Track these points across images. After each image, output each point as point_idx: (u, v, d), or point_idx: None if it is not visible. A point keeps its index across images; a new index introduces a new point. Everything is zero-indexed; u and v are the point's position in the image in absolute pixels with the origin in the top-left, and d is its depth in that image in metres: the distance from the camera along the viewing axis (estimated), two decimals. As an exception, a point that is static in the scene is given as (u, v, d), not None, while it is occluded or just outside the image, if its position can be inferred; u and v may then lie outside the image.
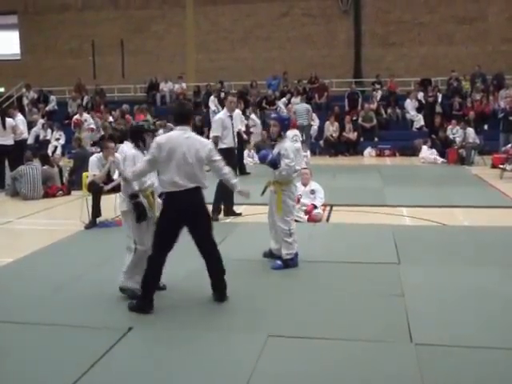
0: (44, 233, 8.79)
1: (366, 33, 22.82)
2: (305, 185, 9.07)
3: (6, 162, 12.95)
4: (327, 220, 9.21)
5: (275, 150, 6.40)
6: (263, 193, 6.64)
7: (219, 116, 9.89)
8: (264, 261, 6.63)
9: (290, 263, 6.36)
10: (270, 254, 6.66)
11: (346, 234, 8.06)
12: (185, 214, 5.16)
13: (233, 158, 9.28)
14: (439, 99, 20.27)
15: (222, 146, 9.08)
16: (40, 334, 4.78)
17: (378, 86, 21.51)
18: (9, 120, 13.13)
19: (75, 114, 19.70)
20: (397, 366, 4.10)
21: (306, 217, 8.79)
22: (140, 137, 5.66)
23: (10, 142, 12.92)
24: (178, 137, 5.16)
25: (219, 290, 5.38)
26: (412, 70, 21.97)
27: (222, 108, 20.65)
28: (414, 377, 3.92)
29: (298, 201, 8.80)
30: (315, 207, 8.92)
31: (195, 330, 4.77)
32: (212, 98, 20.95)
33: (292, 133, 13.62)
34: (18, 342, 4.60)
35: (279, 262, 6.39)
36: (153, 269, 5.14)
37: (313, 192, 9.06)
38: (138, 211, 5.31)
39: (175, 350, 4.42)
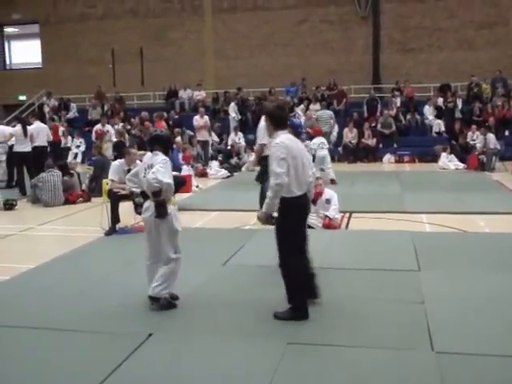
0: (65, 239, 8.86)
1: (384, 38, 22.76)
2: (319, 194, 8.75)
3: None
4: (346, 227, 9.18)
5: None
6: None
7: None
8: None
9: None
10: None
11: (366, 240, 8.02)
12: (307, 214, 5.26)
13: None
14: (459, 105, 20.14)
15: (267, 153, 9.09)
16: (60, 339, 4.81)
17: (397, 93, 21.42)
18: (28, 128, 13.46)
19: (96, 122, 19.86)
20: (418, 375, 4.06)
21: (321, 224, 8.67)
22: (169, 145, 5.72)
23: (28, 149, 13.25)
24: (294, 140, 5.10)
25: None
26: (431, 76, 21.86)
27: (241, 114, 20.89)
28: (436, 385, 3.88)
29: (321, 194, 8.73)
30: (330, 219, 8.81)
31: (214, 337, 4.76)
32: (232, 104, 21.02)
33: (318, 140, 13.54)
34: (40, 347, 4.63)
35: None
36: (303, 276, 5.09)
37: (328, 202, 8.86)
38: (163, 211, 5.25)
39: (194, 356, 4.42)
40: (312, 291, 5.31)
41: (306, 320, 5.04)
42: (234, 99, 21.54)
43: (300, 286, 5.10)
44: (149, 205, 5.39)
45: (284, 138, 4.99)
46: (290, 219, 5.02)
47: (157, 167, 5.26)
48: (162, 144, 5.56)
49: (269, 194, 4.94)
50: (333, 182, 13.15)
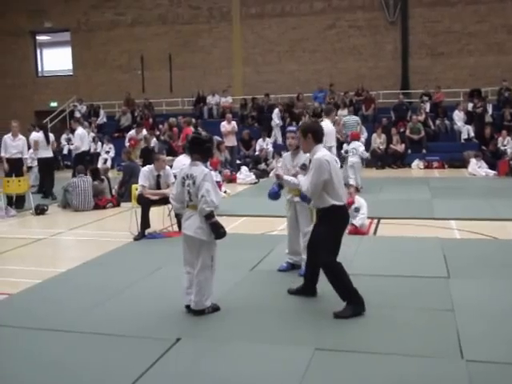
0: (94, 244, 8.98)
1: (413, 43, 22.60)
2: (351, 203, 8.64)
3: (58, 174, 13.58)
4: (374, 233, 9.12)
5: (296, 161, 6.49)
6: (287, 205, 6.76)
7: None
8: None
9: None
10: (292, 267, 6.76)
11: (394, 247, 7.96)
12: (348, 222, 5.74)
13: None
14: (489, 110, 19.89)
15: None
16: (90, 343, 4.86)
17: (426, 98, 21.24)
18: (50, 135, 14.03)
19: (126, 129, 20.08)
20: (448, 383, 4.01)
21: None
22: (210, 150, 5.54)
23: (50, 154, 13.85)
24: (330, 155, 5.58)
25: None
26: (461, 81, 21.64)
27: (283, 120, 20.89)
28: (465, 394, 3.84)
29: (352, 202, 8.71)
30: (356, 227, 8.75)
31: (241, 342, 4.78)
32: (276, 111, 21.04)
33: (351, 145, 13.28)
34: (69, 351, 4.69)
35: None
36: (343, 272, 5.33)
37: (357, 210, 8.82)
38: (220, 232, 5.26)
39: (221, 362, 4.43)
40: (313, 288, 5.82)
41: (332, 326, 5.04)
42: (278, 105, 21.56)
43: (345, 281, 5.33)
44: (188, 222, 5.31)
45: (325, 152, 5.50)
46: (337, 224, 5.42)
47: (206, 188, 5.12)
48: (203, 150, 5.37)
49: (295, 183, 5.71)
50: (356, 189, 12.79)
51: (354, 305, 5.29)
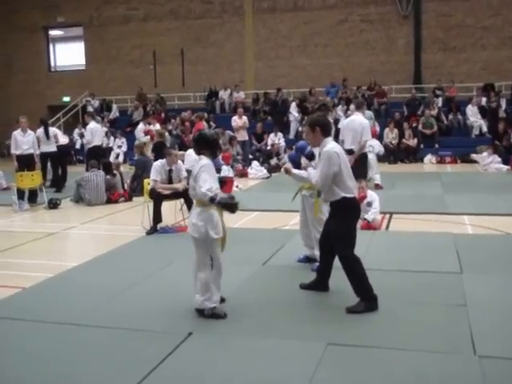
0: (107, 238, 9.02)
1: (426, 38, 22.45)
2: (363, 198, 8.65)
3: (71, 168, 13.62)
4: (386, 228, 9.10)
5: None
6: (294, 198, 6.80)
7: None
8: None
9: None
10: (307, 260, 6.77)
11: (406, 242, 7.93)
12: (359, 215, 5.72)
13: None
14: (503, 105, 19.73)
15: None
16: (102, 336, 4.90)
17: (439, 92, 21.11)
18: (52, 129, 14.21)
19: (137, 123, 20.12)
20: (460, 378, 4.00)
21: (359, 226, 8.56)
22: (217, 147, 5.44)
23: (53, 149, 13.95)
24: (339, 146, 5.56)
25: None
26: (474, 75, 21.49)
27: (282, 114, 20.88)
28: (478, 390, 3.82)
29: (365, 197, 8.70)
30: (368, 222, 8.75)
31: (253, 337, 4.79)
32: (294, 104, 21.03)
33: (368, 142, 13.15)
34: (81, 344, 4.73)
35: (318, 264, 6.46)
36: (361, 267, 5.35)
37: (369, 204, 8.81)
38: (230, 205, 5.05)
39: (233, 356, 4.44)
40: (325, 283, 5.81)
41: (344, 322, 5.04)
42: (295, 99, 21.53)
43: (361, 276, 5.33)
44: (193, 221, 5.16)
45: (334, 144, 5.47)
46: (349, 216, 5.44)
47: (203, 178, 5.01)
48: (210, 147, 5.26)
49: (304, 177, 5.76)
50: (377, 186, 12.56)
51: (367, 301, 5.28)
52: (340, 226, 5.36)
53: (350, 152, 9.88)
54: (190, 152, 10.35)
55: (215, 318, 5.13)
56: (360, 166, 9.79)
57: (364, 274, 5.34)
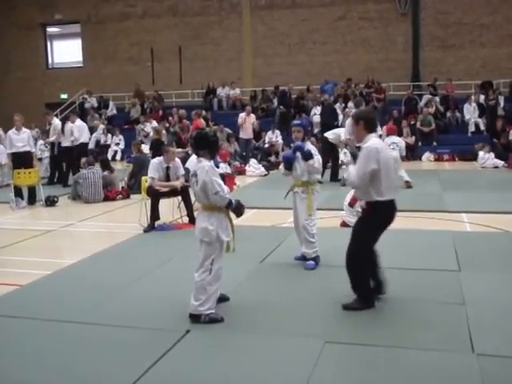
0: (104, 235, 9.00)
1: (424, 35, 22.46)
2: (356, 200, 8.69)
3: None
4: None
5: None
6: (286, 196, 6.87)
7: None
8: (321, 267, 6.60)
9: (317, 260, 6.65)
10: (304, 258, 6.76)
11: (404, 240, 7.91)
12: (392, 220, 5.29)
13: None
14: (501, 102, 19.73)
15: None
16: (99, 334, 4.88)
17: (432, 90, 21.09)
18: (71, 125, 14.31)
19: (136, 121, 20.12)
20: (458, 377, 3.99)
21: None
22: (216, 146, 5.40)
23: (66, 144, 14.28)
24: (382, 143, 5.34)
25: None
26: (472, 73, 21.51)
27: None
28: (476, 388, 3.82)
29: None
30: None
31: (251, 335, 4.78)
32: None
33: (390, 140, 12.75)
34: (79, 342, 4.71)
35: (312, 262, 6.60)
36: (368, 268, 5.28)
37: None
38: (241, 210, 5.17)
39: (231, 354, 4.44)
40: (379, 286, 5.45)
41: (342, 319, 5.03)
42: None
43: (364, 278, 5.28)
44: (203, 226, 5.05)
45: (376, 141, 5.23)
46: (376, 221, 5.20)
47: (218, 182, 4.96)
48: (209, 145, 5.16)
49: (350, 176, 5.25)
50: (408, 183, 12.50)
51: (364, 300, 5.25)
52: (363, 227, 5.25)
53: (358, 149, 9.85)
54: (194, 158, 10.21)
55: (212, 322, 4.99)
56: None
57: (368, 275, 5.29)
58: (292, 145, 6.87)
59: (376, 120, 5.47)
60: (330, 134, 13.81)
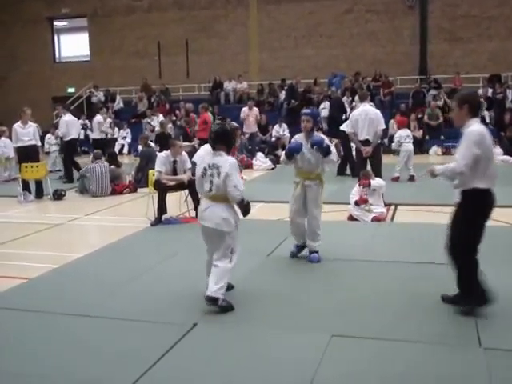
0: (111, 229, 9.02)
1: (432, 28, 22.31)
2: (365, 200, 8.87)
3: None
4: (392, 220, 9.07)
5: (309, 143, 6.47)
6: (296, 188, 6.67)
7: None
8: (327, 261, 6.59)
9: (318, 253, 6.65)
10: (299, 250, 6.81)
11: (411, 233, 7.90)
12: (491, 209, 4.96)
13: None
14: (509, 96, 19.62)
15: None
16: (106, 328, 4.90)
17: (434, 85, 20.98)
18: (60, 121, 14.64)
19: (144, 114, 20.13)
20: (465, 371, 3.98)
21: (370, 217, 8.65)
22: (233, 141, 5.53)
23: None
24: (485, 129, 4.96)
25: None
26: (480, 66, 21.36)
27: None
28: (484, 383, 3.80)
29: (366, 201, 8.73)
30: (382, 214, 8.86)
31: (258, 329, 4.78)
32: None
33: (405, 132, 12.95)
34: (86, 336, 4.73)
35: (316, 255, 6.59)
36: (476, 269, 4.95)
37: (375, 190, 8.93)
38: (248, 209, 5.29)
39: (238, 347, 4.44)
40: (483, 297, 4.95)
41: (349, 313, 5.02)
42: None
43: (474, 278, 4.93)
44: (207, 214, 5.20)
45: (480, 126, 4.90)
46: (475, 209, 4.91)
47: (236, 177, 5.11)
48: (228, 141, 5.28)
49: (447, 169, 4.95)
50: (412, 178, 12.60)
51: (476, 295, 4.91)
52: (464, 222, 4.93)
53: (366, 142, 9.83)
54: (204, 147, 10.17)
55: (223, 311, 5.09)
56: (375, 157, 9.75)
57: (478, 275, 4.93)
58: (295, 136, 6.78)
59: (480, 103, 5.20)
60: (345, 127, 13.80)
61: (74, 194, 12.32)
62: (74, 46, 27.40)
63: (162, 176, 9.04)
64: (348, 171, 13.38)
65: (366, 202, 8.74)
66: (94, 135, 17.33)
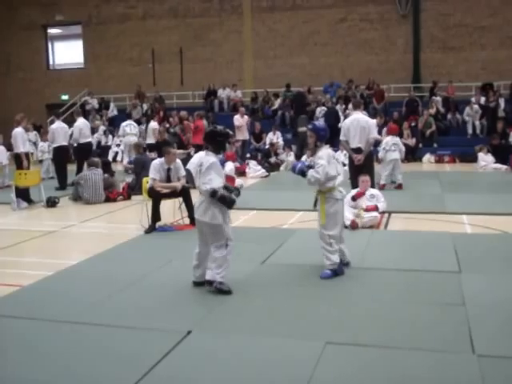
0: (105, 236, 9.01)
1: (425, 37, 22.50)
2: (361, 194, 9.12)
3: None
4: (385, 227, 9.10)
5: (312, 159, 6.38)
6: (315, 204, 6.42)
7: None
8: (322, 268, 6.60)
9: (338, 271, 6.25)
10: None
11: (405, 241, 7.94)
12: None
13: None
14: (502, 104, 19.75)
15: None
16: (101, 335, 4.88)
17: (437, 97, 21.09)
18: (49, 128, 14.60)
19: (137, 121, 20.12)
20: (459, 377, 4.00)
21: (349, 222, 8.39)
22: (224, 143, 5.96)
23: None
24: None
25: None
26: (473, 75, 21.52)
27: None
28: (477, 389, 3.82)
29: (363, 194, 9.01)
30: (377, 208, 9.00)
31: (252, 336, 4.78)
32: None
33: (392, 140, 12.71)
34: (80, 342, 4.72)
35: (328, 271, 6.25)
36: None
37: (373, 196, 9.11)
38: (228, 201, 5.62)
39: (232, 355, 4.44)
40: None
41: (343, 321, 5.04)
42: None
43: None
44: (198, 208, 5.75)
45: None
46: None
47: (206, 175, 5.61)
48: (215, 143, 5.79)
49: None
50: (399, 186, 12.50)
51: None
52: None
53: (358, 150, 9.89)
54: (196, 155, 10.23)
55: (221, 293, 5.62)
56: (367, 165, 9.82)
57: None
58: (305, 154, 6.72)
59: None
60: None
61: (68, 201, 12.29)
62: (68, 53, 27.43)
63: (156, 183, 9.05)
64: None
65: (362, 194, 9.02)
66: (149, 140, 17.43)
